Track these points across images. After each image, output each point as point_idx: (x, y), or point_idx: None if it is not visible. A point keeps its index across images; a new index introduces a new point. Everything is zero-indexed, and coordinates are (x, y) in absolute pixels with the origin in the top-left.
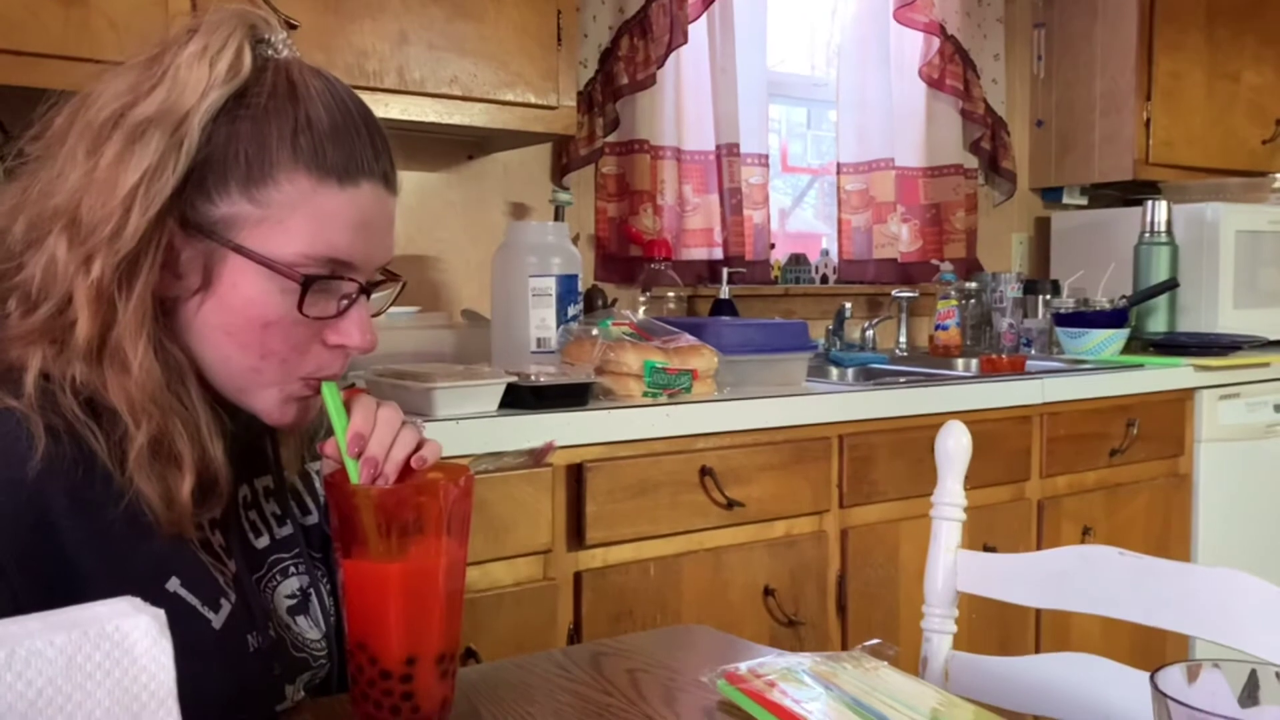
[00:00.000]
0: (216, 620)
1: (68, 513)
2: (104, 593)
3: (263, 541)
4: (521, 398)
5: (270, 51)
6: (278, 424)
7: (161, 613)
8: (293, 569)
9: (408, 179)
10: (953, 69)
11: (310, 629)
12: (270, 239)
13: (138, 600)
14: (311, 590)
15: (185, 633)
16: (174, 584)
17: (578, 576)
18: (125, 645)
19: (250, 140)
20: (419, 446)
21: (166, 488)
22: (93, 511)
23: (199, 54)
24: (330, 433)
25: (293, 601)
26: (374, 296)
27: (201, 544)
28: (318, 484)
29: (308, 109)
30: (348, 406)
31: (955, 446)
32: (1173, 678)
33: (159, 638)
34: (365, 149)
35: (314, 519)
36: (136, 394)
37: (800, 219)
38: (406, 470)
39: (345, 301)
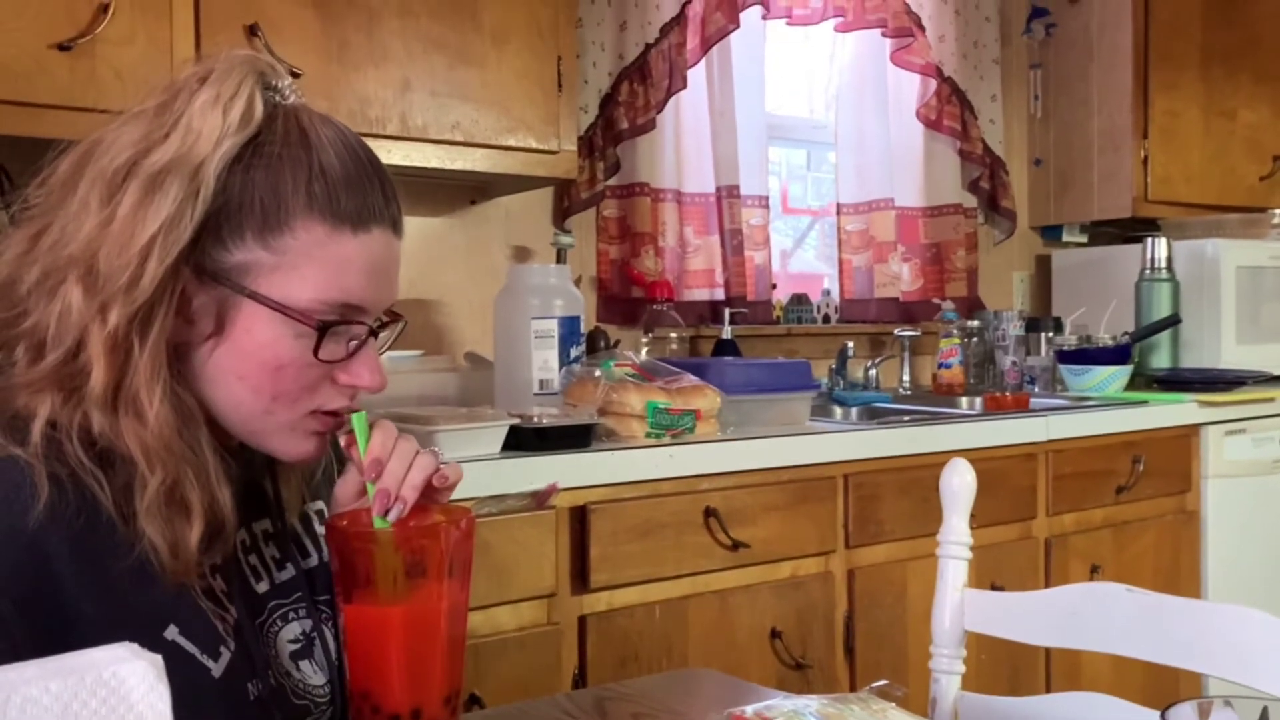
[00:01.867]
0: (216, 669)
1: (69, 561)
2: (102, 640)
3: (263, 586)
4: (524, 439)
5: (278, 98)
6: (294, 460)
7: (159, 658)
8: (293, 614)
9: (411, 224)
10: (950, 110)
11: (314, 674)
12: (286, 285)
13: (135, 646)
14: (315, 634)
15: (184, 681)
16: (172, 632)
17: (582, 620)
18: (121, 692)
19: (265, 188)
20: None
21: (175, 535)
22: (95, 561)
23: (212, 101)
24: (343, 471)
25: (296, 646)
26: (379, 336)
27: (204, 591)
28: (317, 526)
29: (320, 157)
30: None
31: (960, 484)
32: (1184, 715)
33: (156, 683)
34: (376, 196)
35: (314, 562)
36: (152, 442)
37: (802, 260)
38: (422, 509)
39: (355, 343)
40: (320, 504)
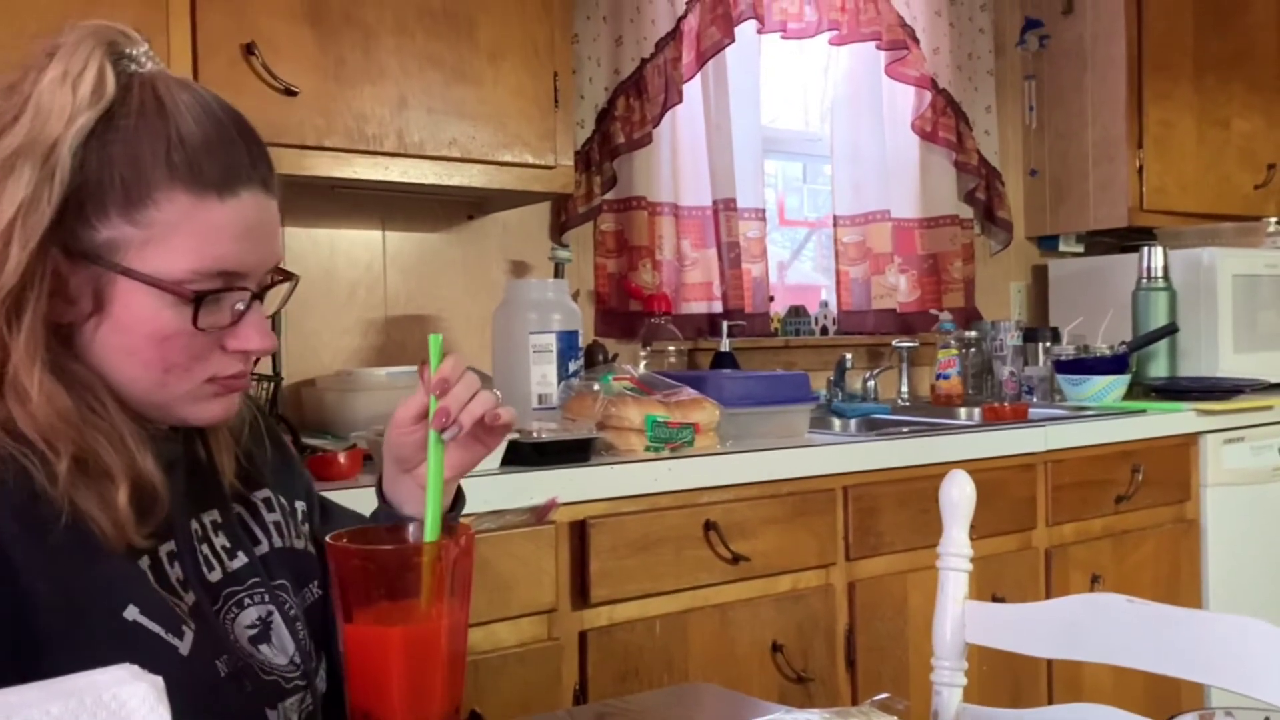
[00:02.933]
0: (183, 647)
1: (17, 538)
2: (60, 621)
3: (215, 575)
4: (523, 455)
5: (133, 66)
6: (206, 424)
7: (159, 680)
8: (249, 600)
9: (408, 240)
10: (945, 121)
11: (276, 655)
12: (156, 259)
13: (135, 668)
14: (271, 618)
15: (153, 661)
16: (133, 612)
17: (583, 635)
18: (123, 714)
19: (124, 163)
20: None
21: (103, 500)
22: (40, 533)
23: (60, 78)
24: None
25: (253, 631)
26: (269, 296)
27: (158, 579)
28: (265, 514)
29: (178, 125)
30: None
31: (959, 496)
32: None
33: (156, 705)
34: (241, 157)
35: (265, 549)
36: (43, 420)
37: (799, 271)
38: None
39: (239, 308)
40: (267, 492)
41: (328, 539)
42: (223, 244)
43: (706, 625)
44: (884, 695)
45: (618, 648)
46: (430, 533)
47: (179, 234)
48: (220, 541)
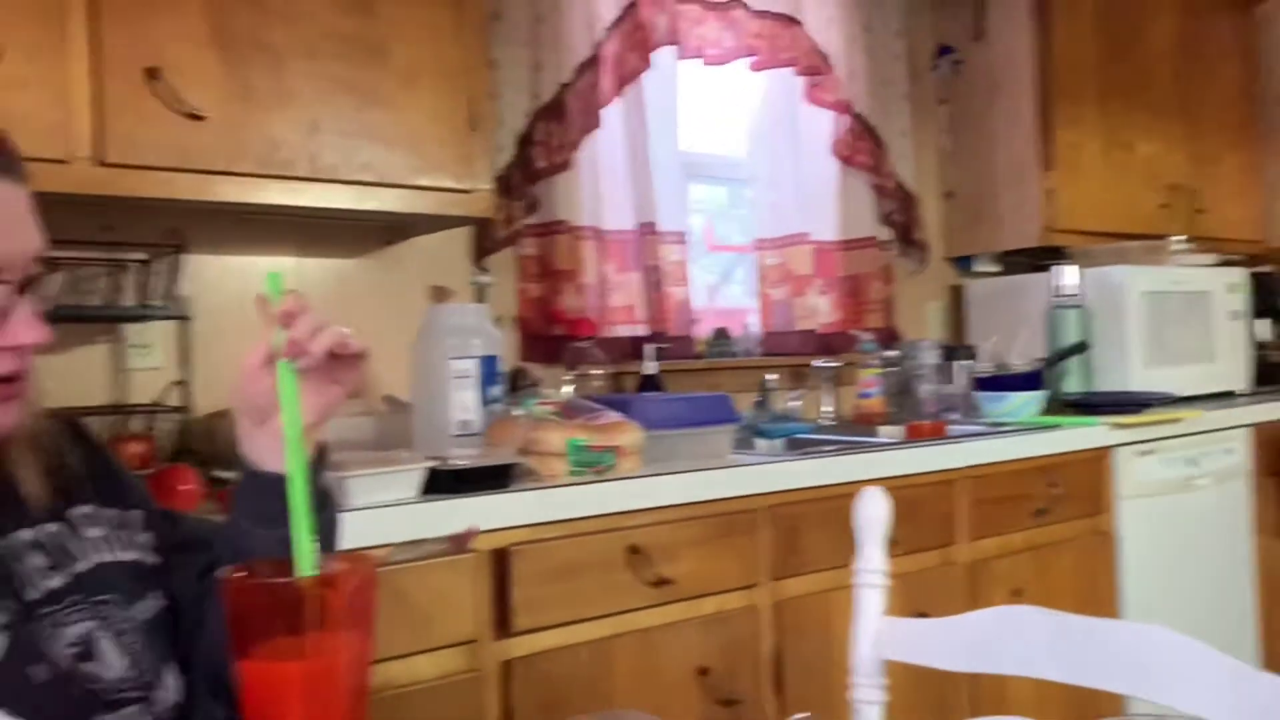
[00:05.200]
0: None
1: None
2: None
3: (32, 594)
4: (442, 482)
5: None
6: None
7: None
8: (66, 619)
9: (324, 266)
10: (862, 145)
11: (105, 670)
12: None
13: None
14: (96, 634)
15: None
16: None
17: (506, 665)
18: None
19: None
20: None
21: None
22: None
23: None
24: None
25: (76, 649)
26: (41, 290)
27: None
28: (86, 531)
29: None
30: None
31: (873, 513)
32: None
33: None
34: None
35: (84, 566)
36: None
37: (729, 296)
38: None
39: (1, 303)
40: (89, 507)
41: (218, 574)
42: None
43: (632, 651)
44: (804, 715)
45: (541, 677)
46: (294, 472)
47: None
48: (35, 561)
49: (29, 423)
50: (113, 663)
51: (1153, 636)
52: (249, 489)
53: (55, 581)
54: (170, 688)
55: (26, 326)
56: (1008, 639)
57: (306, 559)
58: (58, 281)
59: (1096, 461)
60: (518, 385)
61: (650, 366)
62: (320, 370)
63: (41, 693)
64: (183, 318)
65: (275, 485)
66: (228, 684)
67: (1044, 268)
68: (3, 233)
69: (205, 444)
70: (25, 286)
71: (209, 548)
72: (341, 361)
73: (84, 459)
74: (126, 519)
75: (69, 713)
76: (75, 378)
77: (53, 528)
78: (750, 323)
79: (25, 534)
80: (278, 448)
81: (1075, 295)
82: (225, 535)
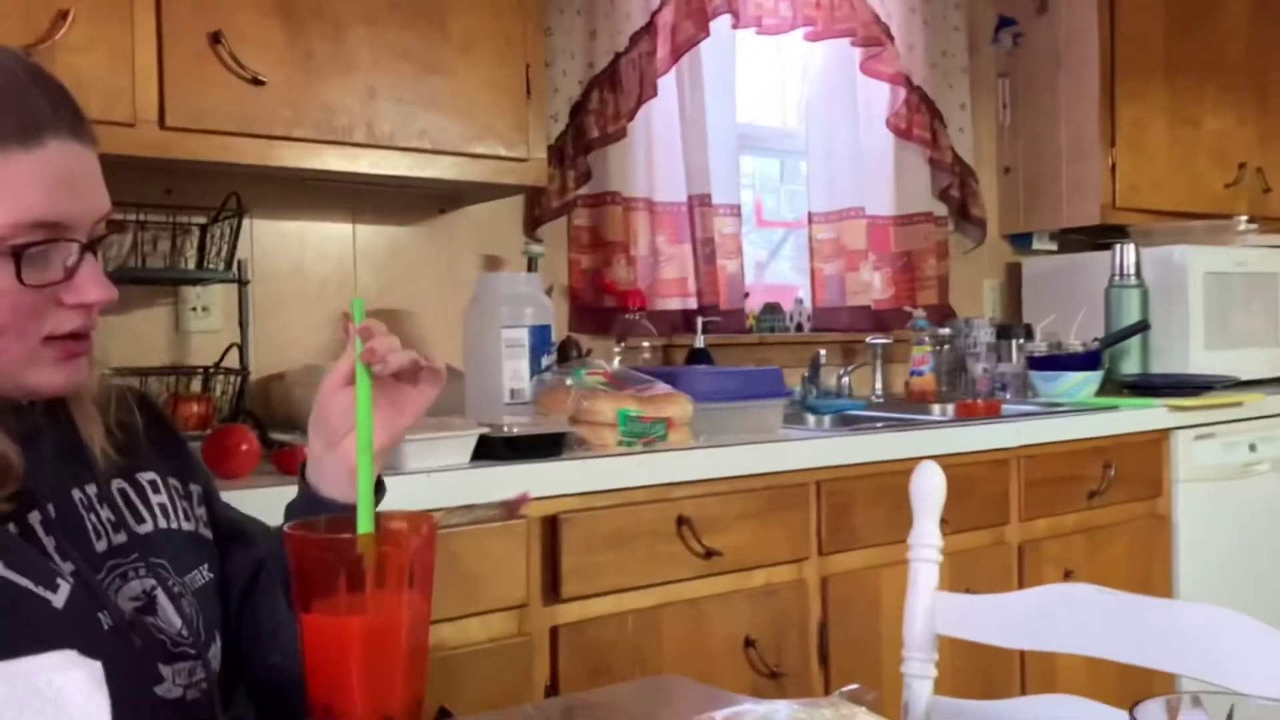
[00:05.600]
0: (57, 599)
1: None
2: None
3: (101, 545)
4: (495, 449)
5: None
6: (52, 393)
7: (98, 665)
8: (132, 573)
9: (379, 233)
10: (920, 119)
11: (166, 625)
12: None
13: (73, 654)
14: (156, 592)
15: (22, 614)
16: None
17: (554, 631)
18: (59, 701)
19: None
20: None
21: None
22: None
23: None
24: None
25: (138, 603)
26: (109, 250)
27: (30, 541)
28: (151, 496)
29: None
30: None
31: (930, 486)
32: (1152, 713)
33: (94, 692)
34: (41, 106)
35: (149, 528)
36: None
37: (776, 272)
38: (384, 517)
39: (70, 262)
40: (153, 474)
41: (285, 528)
42: (35, 195)
43: (679, 621)
44: (853, 686)
45: (589, 644)
46: (363, 496)
47: None
48: (104, 514)
49: (94, 381)
50: (171, 619)
51: (1218, 618)
52: (307, 511)
53: (120, 537)
54: (216, 655)
55: (94, 285)
56: (1065, 617)
57: (368, 517)
58: (125, 242)
59: (1154, 444)
60: (567, 355)
61: (700, 340)
62: (392, 395)
63: (110, 639)
64: (241, 281)
65: (330, 512)
66: (262, 687)
67: (1103, 246)
68: (72, 193)
69: (261, 406)
70: (93, 246)
71: (254, 543)
72: (413, 389)
73: (150, 427)
74: (187, 491)
75: (135, 660)
76: (136, 339)
77: (121, 484)
78: (801, 298)
79: (92, 489)
80: (342, 475)
81: (1136, 275)
82: (275, 546)
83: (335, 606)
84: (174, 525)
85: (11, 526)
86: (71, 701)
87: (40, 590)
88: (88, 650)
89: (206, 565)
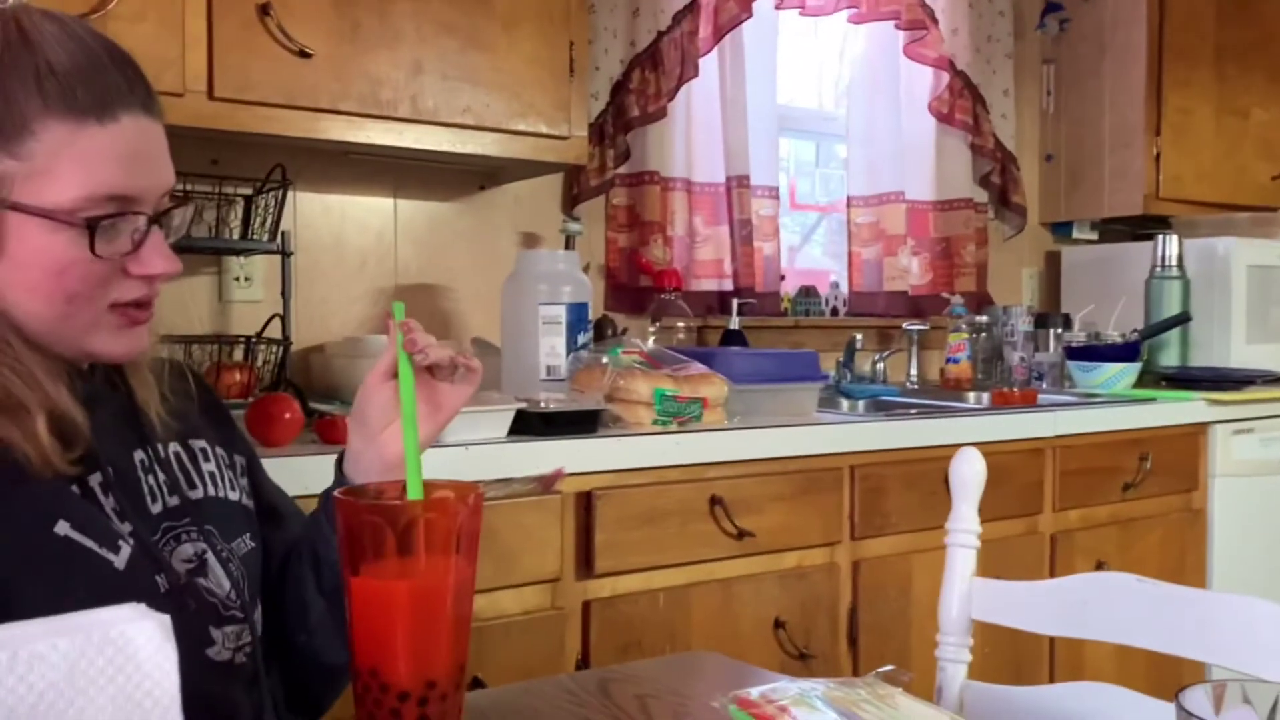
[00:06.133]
0: (118, 560)
1: None
2: None
3: (156, 508)
4: (531, 424)
5: None
6: (117, 358)
7: (166, 618)
8: (185, 535)
9: (419, 209)
10: (962, 104)
11: (217, 588)
12: (44, 190)
13: (143, 607)
14: (207, 555)
15: (86, 574)
16: (64, 527)
17: (586, 606)
18: (129, 651)
19: None
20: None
21: (24, 431)
22: None
23: None
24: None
25: (190, 565)
26: (172, 222)
27: (91, 503)
28: (202, 463)
29: (47, 54)
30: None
31: (970, 472)
32: (1197, 699)
33: (163, 643)
34: (117, 81)
35: (200, 494)
36: None
37: (808, 256)
38: (430, 485)
39: (138, 233)
40: (204, 443)
41: (336, 493)
42: (108, 169)
43: (710, 600)
44: (889, 667)
45: (621, 619)
46: (411, 464)
47: (62, 162)
48: (160, 477)
49: (151, 349)
50: (222, 582)
51: (1257, 609)
52: None
53: (174, 500)
54: (258, 622)
55: (159, 256)
56: (1104, 605)
57: (416, 484)
58: (188, 214)
59: (1191, 437)
60: (602, 334)
61: (734, 321)
62: (429, 392)
63: (166, 599)
64: (285, 253)
65: None
66: (286, 666)
67: (1144, 237)
68: (143, 167)
69: (302, 376)
70: (159, 219)
71: (287, 525)
72: (449, 387)
73: (200, 399)
74: (233, 461)
75: (190, 621)
76: (180, 307)
77: (176, 448)
78: (836, 281)
79: (149, 452)
80: (378, 468)
81: (1178, 266)
82: (308, 530)
83: (383, 570)
84: (221, 494)
85: (74, 488)
86: (141, 652)
87: (103, 551)
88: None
89: (249, 534)
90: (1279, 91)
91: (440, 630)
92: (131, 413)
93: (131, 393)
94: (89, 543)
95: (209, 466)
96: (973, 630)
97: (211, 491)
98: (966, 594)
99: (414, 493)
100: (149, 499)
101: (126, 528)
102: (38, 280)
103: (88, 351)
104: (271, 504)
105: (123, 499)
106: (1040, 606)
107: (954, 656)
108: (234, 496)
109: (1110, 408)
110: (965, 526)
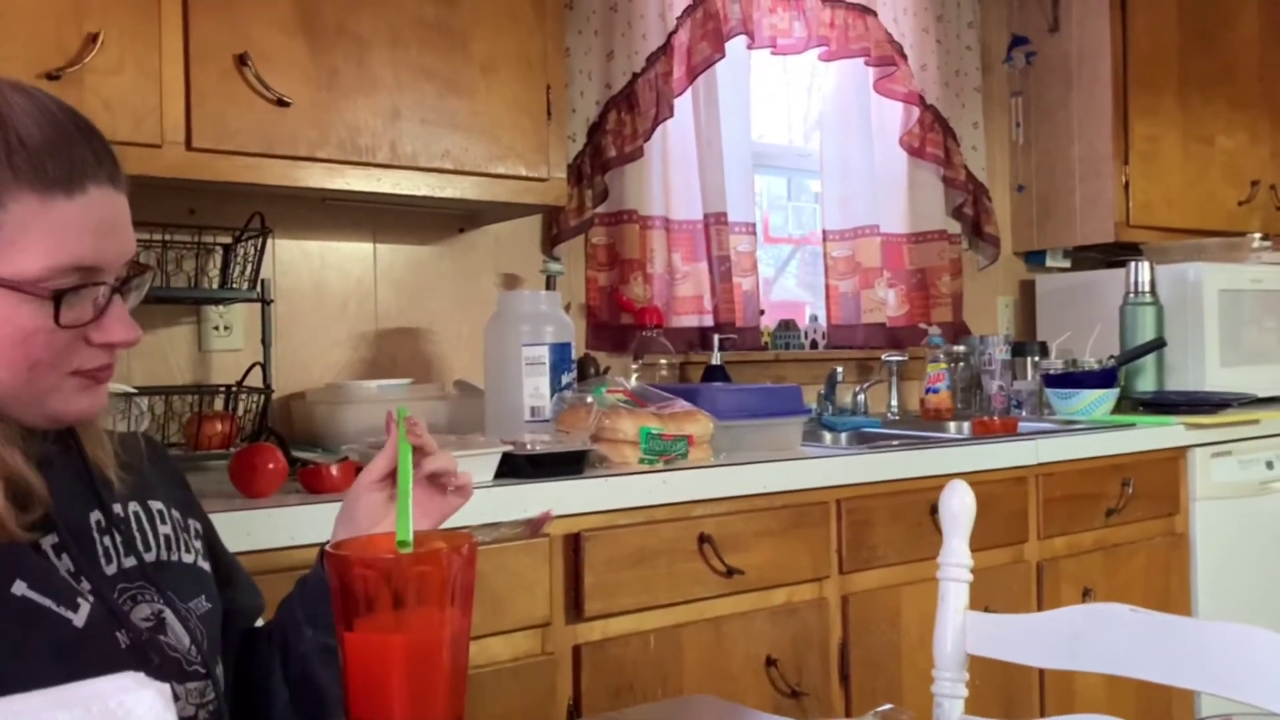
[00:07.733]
0: (78, 619)
1: None
2: None
3: (111, 569)
4: (517, 467)
5: None
6: (75, 419)
7: (166, 687)
8: (141, 596)
9: (399, 252)
10: (933, 137)
11: (178, 644)
12: (11, 261)
13: (141, 676)
14: (165, 614)
15: (45, 634)
16: (20, 587)
17: (577, 650)
18: None
19: None
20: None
21: None
22: None
23: None
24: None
25: (149, 624)
26: (132, 290)
27: (46, 564)
28: (159, 525)
29: (16, 128)
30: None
31: (960, 506)
32: None
33: (164, 713)
34: (85, 155)
35: (152, 558)
36: None
37: (784, 288)
38: (424, 537)
39: (100, 302)
40: (160, 505)
41: (327, 548)
42: (76, 240)
43: (701, 639)
44: (887, 706)
45: (612, 663)
46: (402, 499)
47: (31, 234)
48: (116, 539)
49: (104, 409)
50: (182, 639)
51: (1252, 637)
52: (317, 589)
53: (129, 561)
54: (221, 678)
55: (120, 325)
56: (1098, 636)
57: (407, 536)
58: (149, 279)
59: (1171, 461)
60: (585, 373)
61: (716, 357)
62: (421, 500)
63: (128, 656)
64: (265, 301)
65: None
66: None
67: (1117, 264)
68: (108, 238)
69: (284, 424)
70: (120, 288)
71: (241, 590)
72: (441, 498)
73: (151, 460)
74: (187, 524)
75: (155, 676)
76: (160, 358)
77: (135, 507)
78: (815, 314)
79: (102, 513)
80: None
81: (1150, 292)
82: (279, 613)
83: (377, 624)
84: (176, 557)
85: (29, 551)
86: None
87: (62, 610)
88: (112, 668)
89: (204, 596)
90: (1242, 119)
91: (436, 683)
92: (85, 473)
93: (84, 452)
94: (47, 602)
95: (165, 529)
96: (967, 664)
97: (165, 555)
98: (960, 628)
99: (404, 543)
100: (103, 560)
101: (86, 586)
102: (1, 349)
103: (48, 413)
104: (228, 574)
105: (79, 559)
106: (1035, 639)
107: (950, 692)
108: (189, 559)
109: (1091, 434)
110: (957, 560)
